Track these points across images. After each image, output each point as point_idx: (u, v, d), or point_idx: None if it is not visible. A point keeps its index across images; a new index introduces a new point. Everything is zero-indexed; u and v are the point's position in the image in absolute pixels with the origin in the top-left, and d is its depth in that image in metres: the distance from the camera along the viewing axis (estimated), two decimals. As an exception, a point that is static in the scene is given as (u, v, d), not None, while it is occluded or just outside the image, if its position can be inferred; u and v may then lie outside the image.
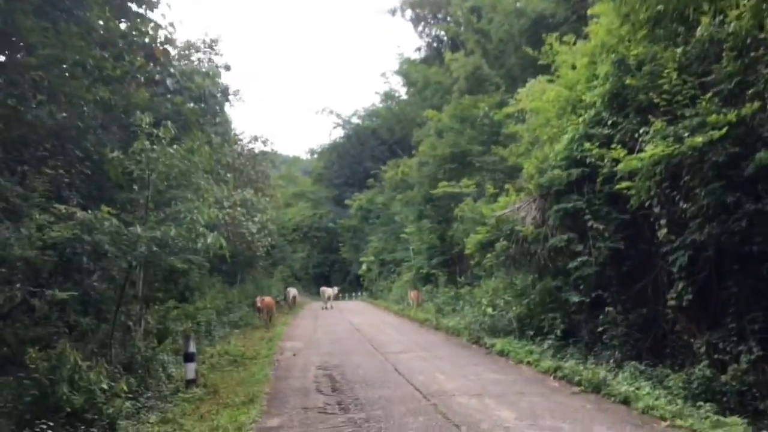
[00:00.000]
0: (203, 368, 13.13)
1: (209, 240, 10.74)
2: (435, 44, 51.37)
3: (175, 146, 11.79)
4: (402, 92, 60.61)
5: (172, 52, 16.39)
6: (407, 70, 51.64)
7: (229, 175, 15.60)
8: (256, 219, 25.45)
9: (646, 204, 10.99)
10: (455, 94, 29.60)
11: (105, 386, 9.41)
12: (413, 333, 19.16)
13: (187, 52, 21.31)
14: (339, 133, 69.64)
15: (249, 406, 8.81)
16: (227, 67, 22.22)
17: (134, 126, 11.92)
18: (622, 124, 12.15)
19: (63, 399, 8.70)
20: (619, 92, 12.48)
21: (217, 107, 18.58)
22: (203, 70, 17.65)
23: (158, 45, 15.98)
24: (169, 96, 17.04)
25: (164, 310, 17.06)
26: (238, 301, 27.13)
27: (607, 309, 11.08)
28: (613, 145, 11.46)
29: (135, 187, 12.58)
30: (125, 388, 9.44)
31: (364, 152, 62.91)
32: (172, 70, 17.08)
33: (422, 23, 53.00)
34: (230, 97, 22.74)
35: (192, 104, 16.85)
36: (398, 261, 39.97)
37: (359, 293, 51.20)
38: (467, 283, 24.00)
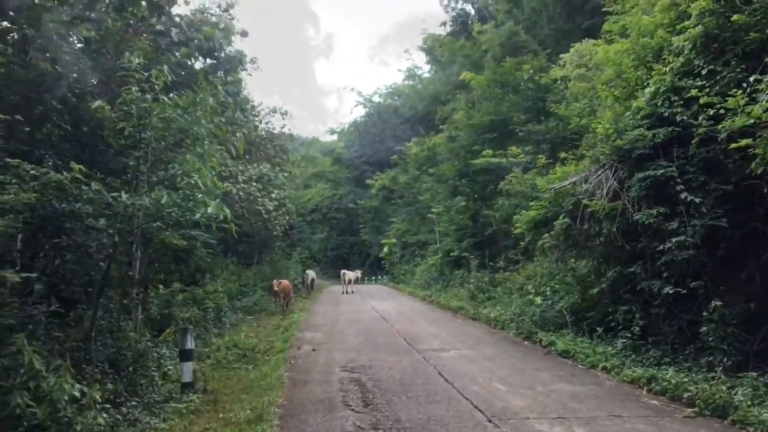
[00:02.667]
0: (207, 365, 11.07)
1: (210, 209, 8.53)
2: (461, 19, 48.85)
3: (171, 94, 9.63)
4: (425, 69, 58.44)
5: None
6: (431, 45, 49.24)
7: (238, 134, 13.35)
8: (273, 195, 23.48)
9: (757, 172, 8.62)
10: (489, 62, 27.20)
11: (76, 393, 7.39)
12: (449, 324, 16.90)
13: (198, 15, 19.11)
14: (360, 112, 67.44)
15: (255, 428, 6.65)
16: (244, 33, 20.01)
17: (122, 69, 9.75)
18: (722, 73, 9.78)
19: (19, 411, 6.72)
20: (717, 34, 10.11)
21: (228, 65, 16.32)
22: (213, 19, 15.39)
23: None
24: (175, 52, 14.85)
25: (168, 294, 15.07)
26: (253, 284, 25.15)
27: (713, 303, 8.71)
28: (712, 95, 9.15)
29: (132, 150, 10.47)
30: (97, 397, 7.35)
31: (386, 131, 60.53)
32: (177, 19, 14.91)
33: (449, -6, 50.54)
34: (247, 65, 20.51)
35: (199, 57, 14.61)
36: (422, 243, 37.84)
37: (380, 277, 49.07)
38: (502, 267, 21.81)
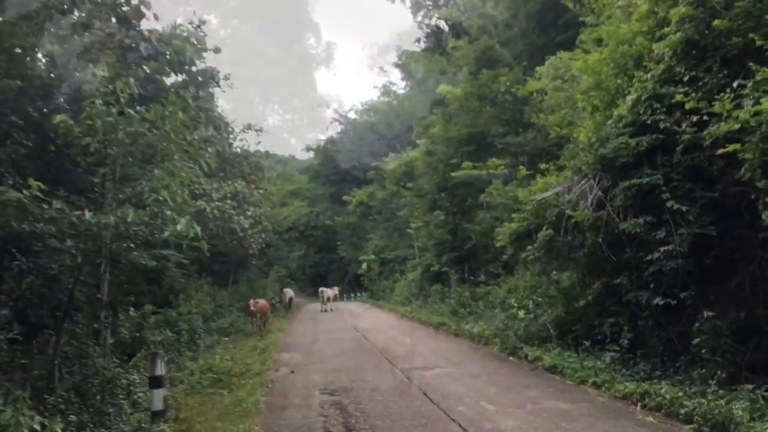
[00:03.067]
0: (179, 391, 10.55)
1: (179, 227, 8.08)
2: (435, 36, 49.01)
3: (139, 108, 9.19)
4: (401, 86, 58.73)
5: (147, 13, 13.83)
6: (406, 62, 49.40)
7: (210, 149, 12.91)
8: (248, 213, 22.96)
9: (746, 178, 8.43)
10: (465, 75, 27.16)
11: (36, 426, 6.87)
12: (431, 341, 16.51)
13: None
14: (336, 129, 67.34)
15: (230, 459, 6.20)
16: (217, 50, 19.64)
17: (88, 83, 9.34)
18: (704, 79, 9.64)
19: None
20: (698, 40, 9.98)
21: (200, 78, 15.90)
22: (184, 34, 15.00)
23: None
24: (144, 67, 14.42)
25: (140, 317, 14.49)
26: (229, 304, 24.50)
27: (705, 314, 8.46)
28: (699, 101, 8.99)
29: (98, 167, 10.01)
30: (58, 430, 6.82)
31: (363, 148, 60.29)
32: (146, 33, 14.50)
33: (422, 11, 50.78)
34: (221, 82, 20.07)
35: (170, 72, 14.19)
36: (401, 259, 37.48)
37: (359, 294, 48.50)
38: (482, 281, 21.51)
